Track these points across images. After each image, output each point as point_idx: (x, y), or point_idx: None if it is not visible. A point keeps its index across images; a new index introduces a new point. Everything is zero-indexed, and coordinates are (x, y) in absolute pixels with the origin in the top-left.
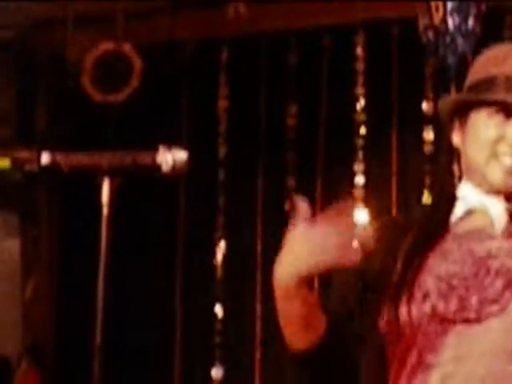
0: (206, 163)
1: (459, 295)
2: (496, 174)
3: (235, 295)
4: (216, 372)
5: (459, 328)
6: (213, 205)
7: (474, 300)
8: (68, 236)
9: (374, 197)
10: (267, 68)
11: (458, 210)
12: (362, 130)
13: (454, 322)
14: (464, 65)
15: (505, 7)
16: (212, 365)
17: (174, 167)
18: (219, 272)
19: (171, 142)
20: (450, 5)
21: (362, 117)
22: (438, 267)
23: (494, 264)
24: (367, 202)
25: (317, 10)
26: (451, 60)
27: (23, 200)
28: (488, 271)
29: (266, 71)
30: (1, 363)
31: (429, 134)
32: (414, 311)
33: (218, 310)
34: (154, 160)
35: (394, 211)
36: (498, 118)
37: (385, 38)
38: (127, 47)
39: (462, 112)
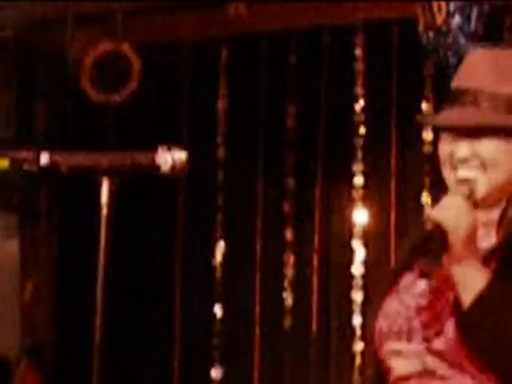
0: (205, 163)
1: (411, 316)
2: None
3: (234, 296)
4: (215, 372)
5: (409, 347)
6: (212, 205)
7: (418, 321)
8: (67, 236)
9: (374, 197)
10: (267, 68)
11: None
12: (362, 131)
13: (403, 341)
14: None
15: (505, 8)
16: (211, 365)
17: (173, 167)
18: (218, 272)
19: (170, 142)
20: (452, 5)
21: (361, 117)
22: (407, 286)
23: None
24: (366, 203)
25: (316, 11)
26: (452, 60)
27: (22, 201)
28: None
29: (265, 71)
30: (0, 363)
31: (428, 134)
32: (379, 330)
33: (217, 310)
34: (153, 160)
35: (393, 211)
36: (451, 134)
37: (384, 38)
38: (126, 47)
39: None
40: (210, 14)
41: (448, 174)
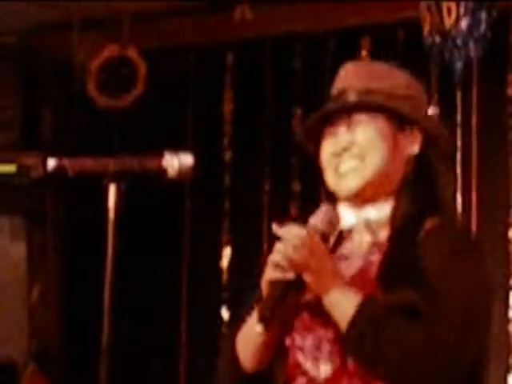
0: (211, 167)
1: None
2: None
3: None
4: None
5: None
6: (218, 209)
7: (324, 352)
8: (74, 240)
9: None
10: (272, 72)
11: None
12: None
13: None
14: (469, 68)
15: (509, 11)
16: None
17: (179, 172)
18: (225, 276)
19: (177, 147)
20: (463, 8)
21: None
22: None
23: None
24: None
25: (322, 14)
26: (458, 64)
27: (29, 205)
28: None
29: (271, 75)
30: (7, 367)
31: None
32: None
33: (224, 314)
34: (159, 164)
35: None
36: (329, 137)
37: (390, 41)
38: (132, 52)
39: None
40: (216, 19)
41: (331, 177)
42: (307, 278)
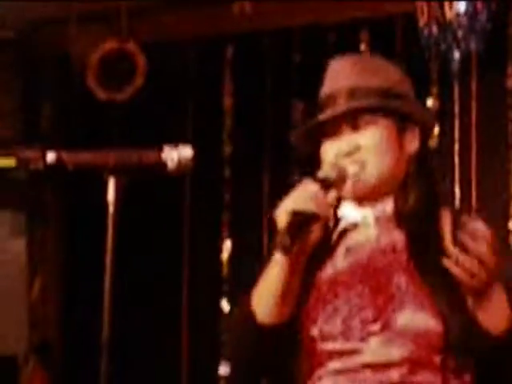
0: (211, 161)
1: (343, 317)
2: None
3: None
4: (223, 369)
5: (343, 350)
6: (218, 202)
7: (356, 321)
8: (74, 235)
9: None
10: (272, 65)
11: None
12: None
13: (338, 343)
14: (468, 60)
15: (510, 5)
16: (219, 362)
17: (179, 165)
18: (225, 269)
19: (176, 140)
20: (464, 2)
21: None
22: (324, 289)
23: (374, 280)
24: None
25: (321, 7)
26: (456, 55)
27: (29, 199)
28: (370, 288)
29: (270, 68)
30: (8, 362)
31: (434, 130)
32: (306, 335)
33: (225, 307)
34: (159, 158)
35: None
36: (330, 139)
37: (389, 34)
38: (131, 45)
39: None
40: (215, 12)
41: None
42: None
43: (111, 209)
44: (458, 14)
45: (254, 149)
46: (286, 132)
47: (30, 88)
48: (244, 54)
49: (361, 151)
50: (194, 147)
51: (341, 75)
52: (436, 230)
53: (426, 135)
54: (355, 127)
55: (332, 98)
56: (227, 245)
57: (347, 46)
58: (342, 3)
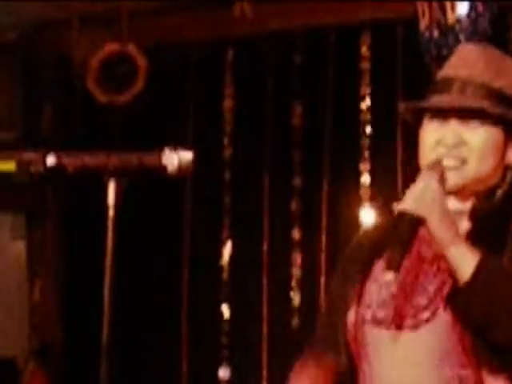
0: (211, 163)
1: (396, 303)
2: None
3: (242, 295)
4: (223, 372)
5: (395, 336)
6: (219, 205)
7: (408, 308)
8: (74, 237)
9: (380, 196)
10: (273, 67)
11: None
12: (368, 130)
13: (390, 329)
14: None
15: (509, 7)
16: (219, 365)
17: (179, 168)
18: (226, 272)
19: (177, 143)
20: (466, 4)
21: (367, 116)
22: (382, 274)
23: (432, 267)
24: (373, 201)
25: (322, 10)
26: None
27: (29, 202)
28: (425, 275)
29: (271, 71)
30: (8, 364)
31: None
32: (358, 318)
33: (225, 310)
34: (159, 161)
35: None
36: (437, 122)
37: (390, 37)
38: (132, 48)
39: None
40: (216, 15)
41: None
42: (433, 222)
43: (111, 212)
44: (459, 17)
45: (254, 152)
46: (287, 134)
47: (31, 90)
48: (244, 57)
49: (464, 147)
50: (195, 150)
51: (468, 63)
52: (506, 230)
53: None
54: (464, 121)
55: (448, 84)
56: (228, 248)
57: (348, 49)
58: (342, 5)
